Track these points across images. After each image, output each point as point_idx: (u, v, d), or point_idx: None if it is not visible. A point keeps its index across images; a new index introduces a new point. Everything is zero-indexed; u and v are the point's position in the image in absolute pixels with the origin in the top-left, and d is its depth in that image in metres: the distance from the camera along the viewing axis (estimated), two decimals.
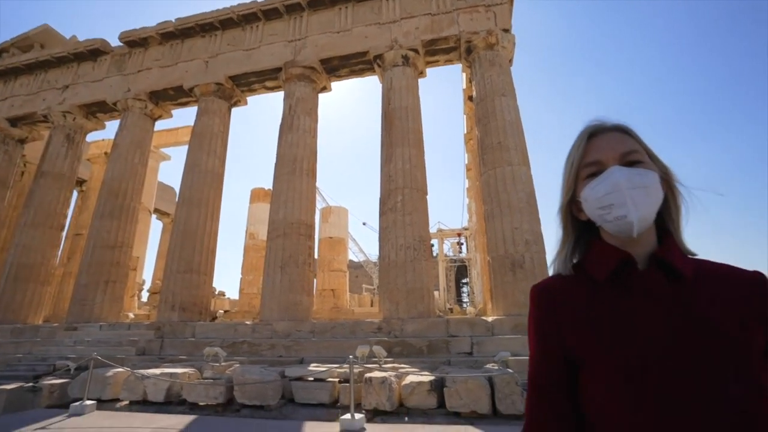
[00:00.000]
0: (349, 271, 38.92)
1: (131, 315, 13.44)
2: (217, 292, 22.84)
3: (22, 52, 14.65)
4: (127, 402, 6.03)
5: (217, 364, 6.79)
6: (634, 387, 0.59)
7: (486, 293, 12.27)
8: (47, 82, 14.24)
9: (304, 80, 11.81)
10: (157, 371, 6.22)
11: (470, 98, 12.07)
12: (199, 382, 5.79)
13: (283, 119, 11.59)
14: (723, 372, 0.57)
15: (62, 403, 5.97)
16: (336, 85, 13.04)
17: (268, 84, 12.76)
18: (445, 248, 21.96)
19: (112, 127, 14.09)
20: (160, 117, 13.74)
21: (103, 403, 5.91)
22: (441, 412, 5.31)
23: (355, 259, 38.96)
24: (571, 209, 0.75)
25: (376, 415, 5.39)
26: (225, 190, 12.71)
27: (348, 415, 4.62)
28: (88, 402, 5.46)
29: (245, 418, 5.25)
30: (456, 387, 5.24)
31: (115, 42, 13.91)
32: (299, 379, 6.08)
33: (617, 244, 0.69)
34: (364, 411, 5.45)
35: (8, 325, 11.36)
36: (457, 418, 5.09)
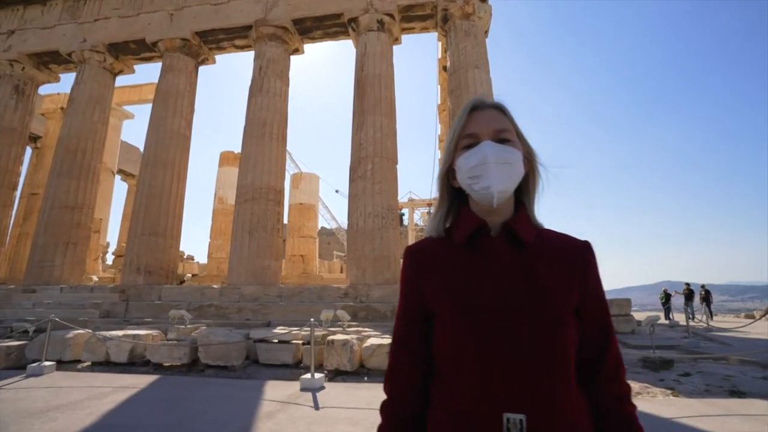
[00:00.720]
0: (320, 237, 39.05)
1: (95, 278, 13.17)
2: (185, 257, 22.52)
3: None
4: (89, 363, 6.05)
5: (183, 327, 6.85)
6: (470, 333, 0.69)
7: None
8: None
9: (276, 40, 11.36)
10: (120, 333, 6.22)
11: (445, 68, 11.98)
12: (163, 343, 5.85)
13: (252, 81, 11.21)
14: (542, 322, 0.68)
15: (20, 365, 5.91)
16: (309, 48, 12.62)
17: (238, 42, 12.20)
18: (416, 218, 22.25)
19: (68, 80, 13.24)
20: (121, 72, 12.96)
21: (63, 365, 5.91)
22: None
23: (327, 226, 39.04)
24: (449, 177, 0.82)
25: (337, 374, 5.65)
26: (194, 153, 12.34)
27: (308, 375, 4.83)
28: (47, 363, 5.44)
29: (209, 377, 5.39)
30: None
31: None
32: (263, 340, 6.24)
33: (479, 212, 0.78)
34: (326, 371, 5.70)
35: None
36: None
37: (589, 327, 0.74)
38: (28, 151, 15.96)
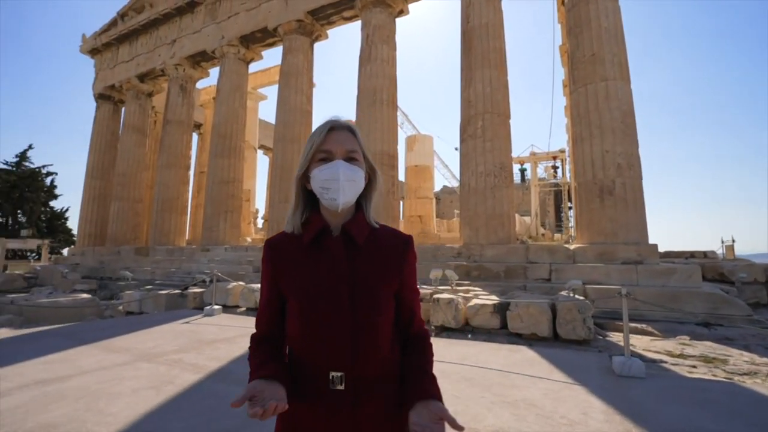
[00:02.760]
0: (443, 196, 39.18)
1: (249, 239, 15.82)
2: None
3: (137, 14, 16.50)
4: (244, 308, 7.58)
5: None
6: (307, 316, 0.90)
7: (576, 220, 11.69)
8: (159, 38, 16.02)
9: (380, 6, 11.45)
10: None
11: (563, 3, 10.55)
12: None
13: (361, 50, 11.60)
14: (361, 307, 0.89)
15: (200, 307, 7.76)
16: (414, 8, 12.39)
17: (346, 14, 12.64)
18: (539, 172, 20.65)
19: (214, 73, 15.59)
20: (252, 60, 14.72)
21: (227, 308, 7.53)
22: (504, 332, 5.68)
23: (449, 185, 39.03)
24: (303, 181, 0.99)
25: (443, 330, 5.99)
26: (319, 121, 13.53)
27: None
28: (216, 306, 7.03)
29: None
30: (518, 311, 5.50)
31: None
32: None
33: (326, 214, 0.97)
34: (432, 327, 6.09)
35: (163, 246, 14.37)
36: (518, 338, 5.42)
37: (403, 301, 0.99)
38: (195, 137, 19.51)
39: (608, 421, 2.52)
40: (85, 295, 8.33)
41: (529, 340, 5.33)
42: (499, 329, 5.75)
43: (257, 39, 13.86)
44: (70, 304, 7.62)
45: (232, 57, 13.99)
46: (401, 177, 17.19)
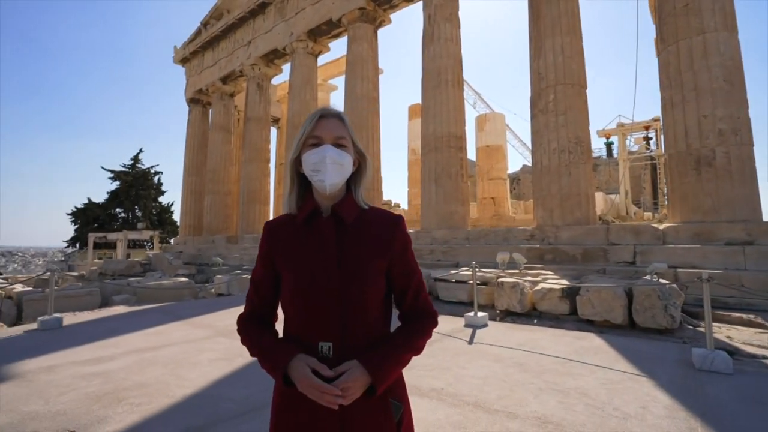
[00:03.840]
0: (523, 176, 37.33)
1: None
2: (393, 204, 25.62)
3: (217, 21, 17.92)
4: None
5: None
6: (299, 289, 0.95)
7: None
8: (237, 41, 17.26)
9: None
10: None
11: None
12: None
13: (424, 31, 11.38)
14: (348, 281, 0.94)
15: None
16: None
17: None
18: (629, 144, 18.56)
19: (287, 69, 16.40)
20: (320, 53, 15.23)
21: None
22: (573, 318, 5.34)
23: (529, 164, 37.01)
24: (296, 165, 1.04)
25: (508, 315, 5.82)
26: (392, 108, 13.62)
27: (472, 313, 5.19)
28: None
29: None
30: (588, 296, 5.13)
31: None
32: (443, 280, 6.89)
33: (317, 197, 1.03)
34: (497, 311, 5.93)
35: (249, 234, 15.72)
36: (589, 325, 5.07)
37: (395, 279, 1.03)
38: (274, 132, 20.81)
39: (670, 417, 2.28)
40: (183, 279, 9.52)
41: (601, 327, 4.95)
42: (568, 315, 5.42)
43: (323, 32, 14.28)
44: (171, 286, 8.77)
45: (301, 52, 14.60)
46: (472, 157, 16.70)
